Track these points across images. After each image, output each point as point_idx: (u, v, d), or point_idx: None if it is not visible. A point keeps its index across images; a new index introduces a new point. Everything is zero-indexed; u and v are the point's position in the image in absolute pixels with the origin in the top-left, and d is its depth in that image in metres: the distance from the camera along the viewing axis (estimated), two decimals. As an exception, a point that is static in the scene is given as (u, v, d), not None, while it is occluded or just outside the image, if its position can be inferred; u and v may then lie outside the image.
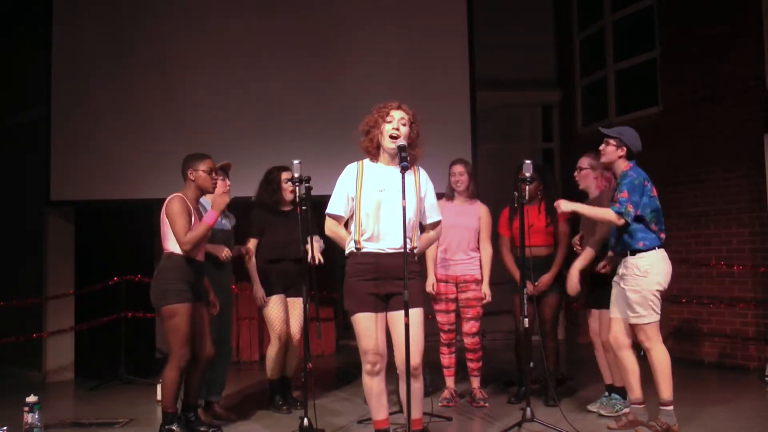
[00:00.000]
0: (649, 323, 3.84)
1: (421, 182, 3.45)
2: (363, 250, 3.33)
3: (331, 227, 3.45)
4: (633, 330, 3.94)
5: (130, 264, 6.44)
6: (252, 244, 4.75)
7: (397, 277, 3.25)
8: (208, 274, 4.25)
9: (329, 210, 3.44)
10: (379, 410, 3.39)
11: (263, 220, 4.76)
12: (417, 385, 3.35)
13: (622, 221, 3.81)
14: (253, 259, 4.73)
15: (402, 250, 3.23)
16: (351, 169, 3.45)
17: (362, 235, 3.33)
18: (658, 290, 3.85)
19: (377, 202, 3.32)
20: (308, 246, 4.14)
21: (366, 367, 3.33)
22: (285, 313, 4.73)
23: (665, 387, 3.83)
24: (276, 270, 4.70)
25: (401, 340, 3.23)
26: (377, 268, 3.30)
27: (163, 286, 3.88)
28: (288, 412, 4.69)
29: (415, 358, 3.27)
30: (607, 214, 3.85)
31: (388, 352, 3.39)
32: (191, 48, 6.48)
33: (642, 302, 3.82)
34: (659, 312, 3.87)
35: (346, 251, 3.42)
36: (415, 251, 3.39)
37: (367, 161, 3.46)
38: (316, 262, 4.41)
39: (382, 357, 3.32)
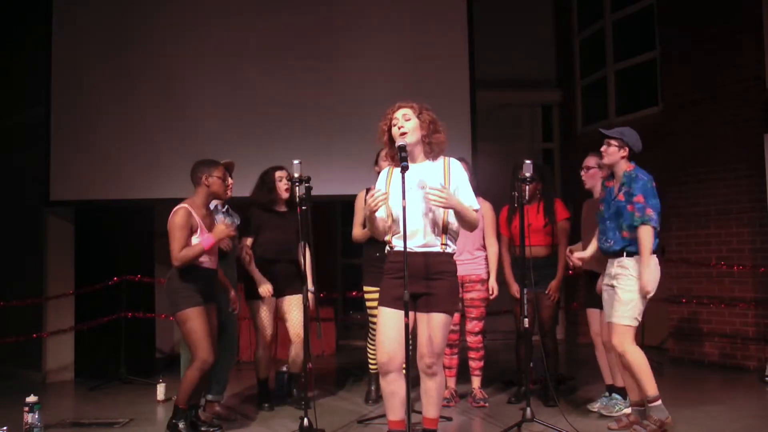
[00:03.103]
0: (626, 325, 3.82)
1: (452, 174, 3.35)
2: (395, 249, 3.32)
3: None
4: (611, 329, 3.92)
5: (130, 264, 6.43)
6: (248, 242, 4.74)
7: (424, 277, 3.24)
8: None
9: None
10: (391, 411, 3.34)
11: (260, 218, 4.77)
12: (431, 384, 3.34)
13: (650, 227, 3.76)
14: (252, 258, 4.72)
15: (430, 250, 3.26)
16: (382, 174, 3.47)
17: (394, 234, 3.33)
18: (650, 294, 3.85)
19: (399, 203, 3.24)
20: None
21: (378, 365, 3.34)
22: (274, 319, 4.77)
23: (648, 384, 3.82)
24: (269, 271, 4.69)
25: (421, 340, 3.25)
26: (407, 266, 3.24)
27: (173, 293, 3.96)
28: (270, 409, 4.76)
29: (427, 358, 3.26)
30: (647, 236, 3.75)
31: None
32: (191, 48, 6.48)
33: (629, 303, 3.81)
34: (639, 320, 3.86)
35: (385, 250, 3.43)
36: (448, 249, 3.32)
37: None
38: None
39: (391, 358, 3.24)
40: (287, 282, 4.71)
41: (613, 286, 3.93)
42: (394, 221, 3.33)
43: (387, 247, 3.39)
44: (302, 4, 6.57)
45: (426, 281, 3.25)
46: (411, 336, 3.43)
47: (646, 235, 3.78)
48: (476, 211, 3.36)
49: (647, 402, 3.85)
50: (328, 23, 6.55)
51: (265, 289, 4.65)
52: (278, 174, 4.76)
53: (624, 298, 3.83)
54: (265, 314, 4.72)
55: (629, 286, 3.83)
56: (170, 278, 4.01)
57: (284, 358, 5.09)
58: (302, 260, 4.27)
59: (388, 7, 6.62)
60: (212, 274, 4.13)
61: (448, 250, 3.32)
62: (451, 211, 3.29)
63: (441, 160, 3.40)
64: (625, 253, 3.88)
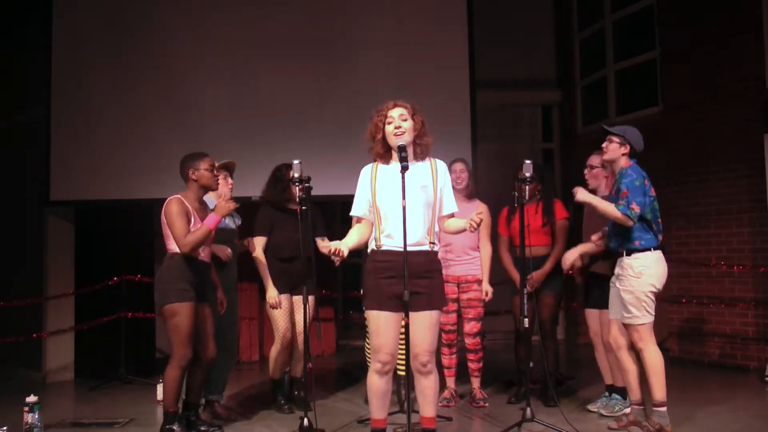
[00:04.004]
0: (642, 324, 3.83)
1: (438, 175, 3.42)
2: (383, 248, 3.33)
3: (353, 226, 3.47)
4: (627, 330, 3.93)
5: (130, 264, 6.43)
6: (260, 242, 4.68)
7: (417, 276, 3.26)
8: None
9: (352, 212, 3.48)
10: (380, 410, 3.40)
11: (273, 217, 4.72)
12: (427, 383, 3.35)
13: (630, 222, 3.78)
14: (263, 259, 4.67)
15: (420, 248, 3.28)
16: (366, 171, 3.48)
17: (382, 233, 3.34)
18: (651, 291, 3.84)
19: (392, 201, 3.31)
20: (320, 244, 4.01)
21: (376, 365, 3.33)
22: (291, 314, 4.72)
23: (658, 388, 3.83)
24: (287, 269, 4.65)
25: (416, 339, 3.26)
26: (396, 266, 3.26)
27: (164, 285, 3.89)
28: (290, 411, 4.68)
29: (423, 356, 3.29)
30: (615, 212, 3.79)
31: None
32: (191, 48, 6.48)
33: (635, 303, 3.82)
34: (653, 313, 3.86)
35: (368, 249, 3.43)
36: (435, 248, 3.37)
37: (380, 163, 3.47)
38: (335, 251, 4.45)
39: (393, 357, 3.32)
40: (300, 280, 4.64)
41: (616, 284, 3.94)
42: (383, 219, 3.34)
43: (372, 246, 3.38)
44: (302, 5, 6.57)
45: (416, 280, 3.26)
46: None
47: (614, 211, 3.77)
48: (453, 214, 3.45)
49: (653, 404, 3.86)
50: (328, 23, 6.55)
51: (272, 296, 4.61)
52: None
53: (627, 299, 3.84)
54: (282, 314, 4.67)
55: (628, 285, 3.84)
56: (163, 270, 3.93)
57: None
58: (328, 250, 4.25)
59: (389, 8, 6.62)
60: (208, 268, 4.10)
61: (435, 248, 3.39)
62: (436, 212, 3.38)
63: (428, 160, 3.45)
64: (624, 252, 3.88)
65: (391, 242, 3.30)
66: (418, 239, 3.29)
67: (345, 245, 3.29)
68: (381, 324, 3.29)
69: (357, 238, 3.40)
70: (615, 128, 4.03)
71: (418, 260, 3.27)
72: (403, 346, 4.00)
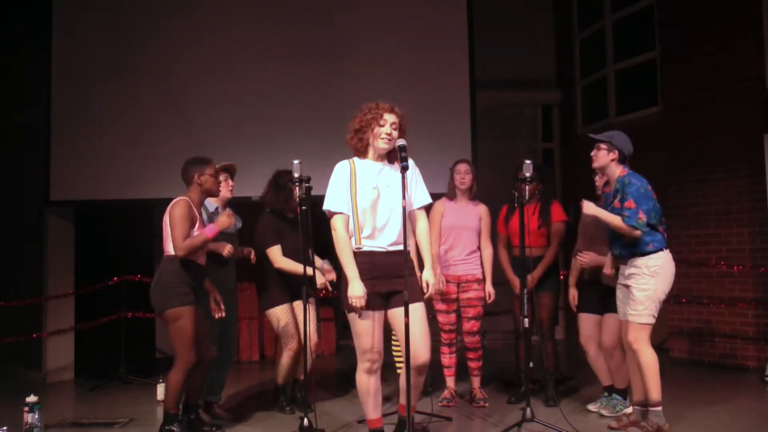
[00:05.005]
0: (643, 323, 3.83)
1: (408, 175, 3.40)
2: (363, 249, 3.35)
3: (340, 225, 3.37)
4: (626, 329, 3.92)
5: (130, 264, 6.43)
6: (278, 251, 4.58)
7: (397, 275, 3.28)
8: (211, 274, 4.25)
9: (335, 208, 3.37)
10: (375, 409, 3.44)
11: (279, 225, 4.66)
12: (420, 379, 3.42)
13: (637, 233, 3.79)
14: (287, 263, 4.55)
15: (398, 248, 3.30)
16: (344, 167, 3.46)
17: (361, 232, 3.35)
18: (665, 292, 3.85)
19: (372, 200, 3.34)
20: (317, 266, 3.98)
21: (365, 365, 3.36)
22: (296, 321, 4.67)
23: (654, 388, 3.82)
24: (290, 278, 4.58)
25: (413, 339, 3.26)
26: (376, 266, 3.32)
27: (165, 289, 3.87)
28: (291, 412, 4.67)
29: (426, 354, 3.32)
30: (621, 224, 3.81)
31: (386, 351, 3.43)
32: (191, 48, 6.48)
33: (645, 301, 3.82)
34: (656, 317, 3.86)
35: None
36: (409, 248, 3.40)
37: (356, 159, 3.48)
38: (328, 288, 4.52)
39: (380, 355, 3.36)
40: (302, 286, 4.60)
41: (627, 286, 3.93)
42: (362, 218, 3.34)
43: (354, 247, 3.37)
44: (303, 7, 6.56)
45: (397, 279, 3.29)
46: (387, 334, 3.47)
47: (621, 224, 3.81)
48: (424, 207, 3.52)
49: (649, 405, 3.86)
50: (328, 24, 6.54)
51: (331, 277, 4.54)
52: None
53: (639, 297, 3.83)
54: (289, 321, 4.63)
55: (644, 284, 3.83)
56: (162, 273, 3.91)
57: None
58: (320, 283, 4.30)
59: (389, 8, 6.62)
60: (204, 271, 4.09)
61: (409, 248, 3.43)
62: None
63: (396, 163, 3.44)
64: (636, 254, 3.88)
65: (373, 243, 3.34)
66: (396, 239, 3.34)
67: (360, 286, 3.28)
68: (369, 325, 3.32)
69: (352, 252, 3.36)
70: (601, 135, 4.02)
71: (397, 260, 3.29)
72: (397, 344, 4.02)
